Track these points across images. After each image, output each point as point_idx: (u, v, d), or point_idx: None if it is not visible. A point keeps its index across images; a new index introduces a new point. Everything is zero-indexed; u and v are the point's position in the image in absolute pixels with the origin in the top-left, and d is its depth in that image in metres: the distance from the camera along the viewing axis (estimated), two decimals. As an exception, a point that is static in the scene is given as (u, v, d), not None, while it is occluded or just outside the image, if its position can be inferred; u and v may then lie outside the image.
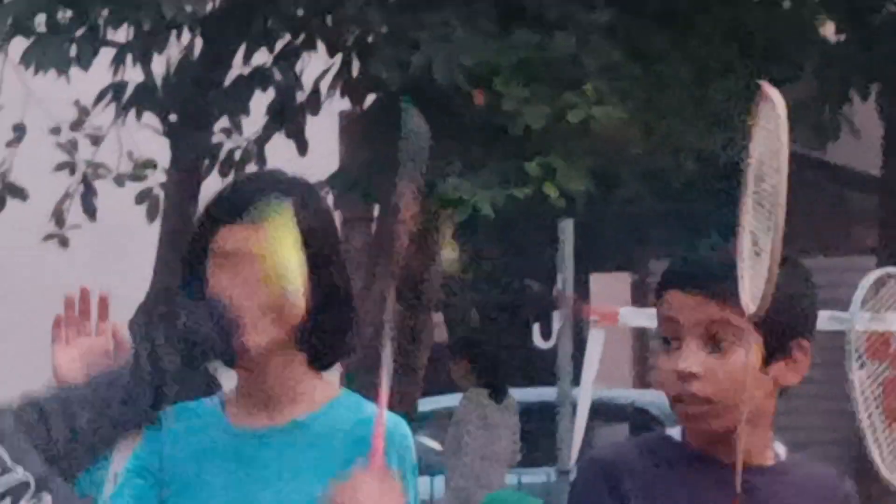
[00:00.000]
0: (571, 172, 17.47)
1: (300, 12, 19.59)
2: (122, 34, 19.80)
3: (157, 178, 21.62)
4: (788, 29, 21.22)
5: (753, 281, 4.90)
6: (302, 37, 20.14)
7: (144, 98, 20.03)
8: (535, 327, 15.84)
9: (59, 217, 20.94)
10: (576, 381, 17.19)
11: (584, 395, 17.55)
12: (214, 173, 21.16)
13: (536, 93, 18.03)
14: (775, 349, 4.96)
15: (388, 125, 20.11)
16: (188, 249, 5.76)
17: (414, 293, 21.66)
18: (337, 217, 23.56)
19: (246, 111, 20.70)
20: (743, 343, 4.88)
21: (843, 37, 21.88)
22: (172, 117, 19.86)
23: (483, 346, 22.01)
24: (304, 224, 5.49)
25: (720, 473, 5.14)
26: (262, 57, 20.40)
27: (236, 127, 21.12)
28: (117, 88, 19.96)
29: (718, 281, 5.13)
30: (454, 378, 21.38)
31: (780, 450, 5.44)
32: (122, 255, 21.50)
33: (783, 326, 4.97)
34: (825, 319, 18.37)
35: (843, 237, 28.66)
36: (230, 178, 20.45)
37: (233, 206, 5.42)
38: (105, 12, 18.53)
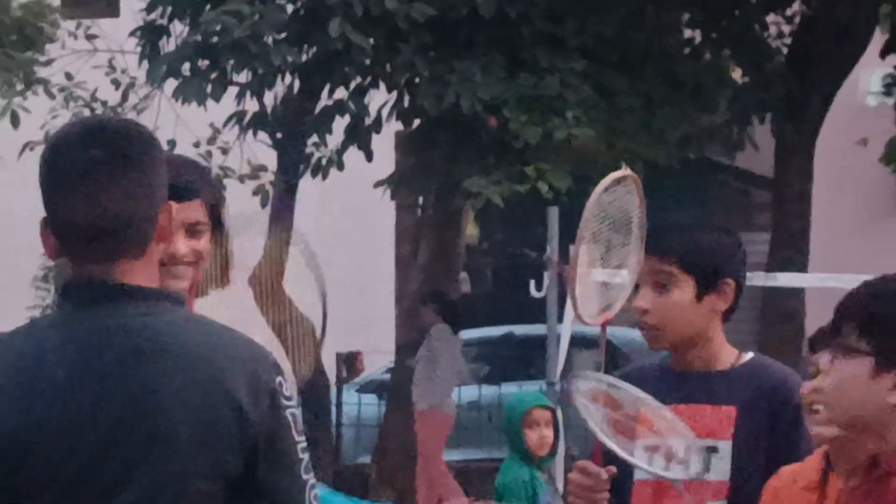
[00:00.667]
0: (557, 174, 17.85)
1: (367, 62, 19.67)
2: (244, 76, 19.87)
3: (267, 178, 21.57)
4: (709, 74, 21.39)
5: (591, 297, 5.81)
6: (369, 79, 20.25)
7: (259, 122, 20.55)
8: (532, 282, 16.35)
9: (198, 205, 20.82)
10: (560, 319, 17.42)
11: (566, 330, 17.65)
12: (307, 175, 21.44)
13: (532, 118, 18.27)
14: (707, 287, 5.56)
15: (429, 141, 20.39)
16: None
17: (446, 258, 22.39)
18: (392, 205, 23.93)
19: (329, 131, 20.75)
20: (680, 285, 5.57)
21: (747, 79, 22.03)
22: (279, 135, 20.15)
23: (446, 297, 22.28)
24: (213, 195, 5.25)
25: (686, 380, 5.73)
26: (340, 93, 20.45)
27: (323, 141, 21.05)
28: (240, 115, 20.51)
29: (661, 243, 5.80)
30: (424, 319, 21.66)
31: (746, 357, 5.98)
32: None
33: (711, 270, 5.60)
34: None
35: (746, 220, 28.49)
36: (318, 178, 21.69)
37: (182, 189, 4.75)
38: (231, 61, 19.09)
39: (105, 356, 3.65)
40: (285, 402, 3.68)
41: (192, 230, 4.65)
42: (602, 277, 5.98)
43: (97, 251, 3.71)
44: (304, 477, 3.68)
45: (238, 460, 3.59)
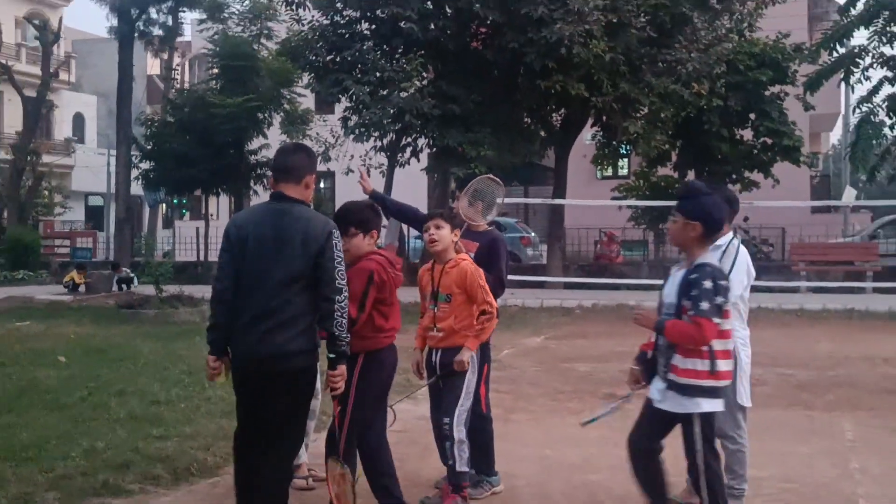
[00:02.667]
0: (481, 168, 16.50)
1: (418, 129, 18.34)
2: (377, 134, 18.40)
3: (384, 168, 20.09)
4: (533, 134, 20.43)
5: (474, 214, 4.96)
6: (419, 134, 18.91)
7: (381, 149, 19.33)
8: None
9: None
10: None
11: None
12: (397, 168, 19.97)
13: (475, 148, 17.51)
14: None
15: (439, 156, 18.78)
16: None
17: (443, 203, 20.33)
18: (426, 178, 22.22)
19: (405, 152, 19.74)
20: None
21: (546, 135, 20.76)
22: (388, 154, 19.56)
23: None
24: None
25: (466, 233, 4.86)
26: (409, 140, 19.31)
27: (404, 157, 19.88)
28: (375, 147, 19.21)
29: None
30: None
31: (490, 229, 5.11)
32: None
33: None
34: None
35: (544, 182, 27.20)
36: (403, 169, 20.08)
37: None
38: (373, 129, 17.92)
39: (271, 216, 3.76)
40: (334, 238, 3.68)
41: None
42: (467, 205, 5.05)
43: (281, 179, 3.84)
44: (336, 265, 3.64)
45: (313, 254, 3.64)
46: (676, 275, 3.91)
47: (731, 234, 4.61)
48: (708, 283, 3.70)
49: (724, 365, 3.82)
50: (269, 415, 3.66)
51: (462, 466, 4.34)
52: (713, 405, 3.82)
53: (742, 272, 4.47)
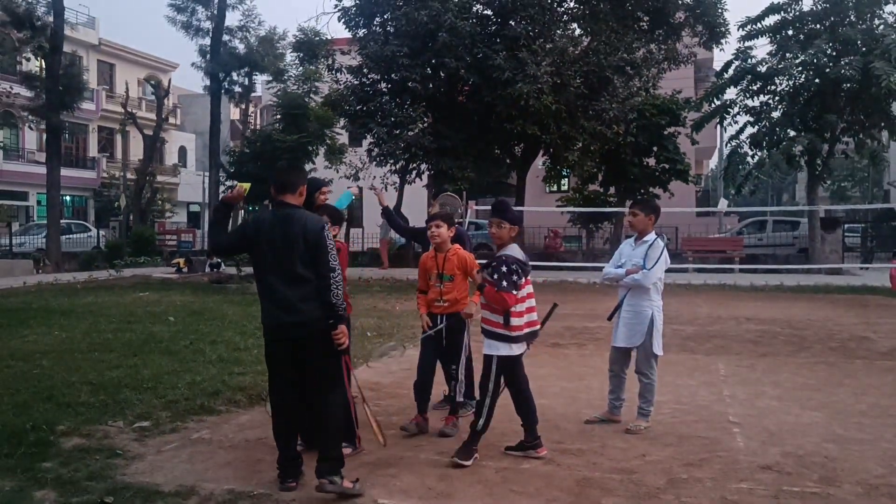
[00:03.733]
0: (466, 185, 16.45)
1: (421, 157, 17.56)
2: (391, 162, 17.85)
3: (396, 186, 19.28)
4: (498, 163, 19.61)
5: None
6: (422, 163, 18.30)
7: (395, 172, 18.57)
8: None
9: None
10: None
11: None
12: (407, 185, 19.52)
13: (460, 171, 16.76)
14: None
15: (437, 177, 18.03)
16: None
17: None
18: (426, 192, 21.24)
19: (412, 174, 18.99)
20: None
21: (509, 161, 19.62)
22: (399, 175, 18.80)
23: (391, 211, 16.46)
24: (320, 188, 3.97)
25: None
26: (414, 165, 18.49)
27: (412, 177, 19.05)
28: (392, 170, 18.51)
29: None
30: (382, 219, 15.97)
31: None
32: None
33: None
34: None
35: (510, 196, 25.12)
36: (412, 185, 19.84)
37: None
38: (389, 155, 16.97)
39: (280, 221, 3.37)
40: (326, 232, 3.32)
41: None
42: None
43: (281, 191, 3.42)
44: (329, 250, 3.29)
45: (312, 244, 3.30)
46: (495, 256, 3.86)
47: (653, 233, 4.46)
48: (504, 268, 3.67)
49: (515, 321, 3.70)
50: (302, 367, 3.41)
51: (460, 398, 4.30)
52: (508, 350, 3.69)
53: (662, 261, 4.37)
